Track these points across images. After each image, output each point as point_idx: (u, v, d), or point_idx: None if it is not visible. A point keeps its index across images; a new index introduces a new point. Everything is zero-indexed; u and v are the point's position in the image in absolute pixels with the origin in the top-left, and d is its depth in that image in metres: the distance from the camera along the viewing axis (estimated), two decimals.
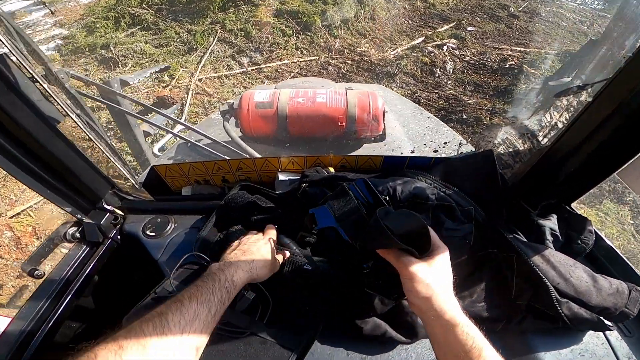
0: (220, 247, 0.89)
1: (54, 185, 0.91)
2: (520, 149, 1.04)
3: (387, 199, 0.81)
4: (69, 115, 0.99)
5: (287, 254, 0.85)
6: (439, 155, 0.92)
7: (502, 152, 1.05)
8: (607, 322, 0.79)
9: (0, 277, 2.44)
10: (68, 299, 0.92)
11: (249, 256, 0.75)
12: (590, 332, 0.84)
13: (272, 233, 0.88)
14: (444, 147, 1.51)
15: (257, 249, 0.78)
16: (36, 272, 0.91)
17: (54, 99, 0.90)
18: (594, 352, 0.82)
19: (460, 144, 1.42)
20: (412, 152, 1.58)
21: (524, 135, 1.01)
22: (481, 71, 4.69)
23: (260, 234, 0.86)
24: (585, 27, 5.57)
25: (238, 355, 0.73)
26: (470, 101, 4.13)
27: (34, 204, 2.96)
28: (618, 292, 0.79)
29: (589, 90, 1.03)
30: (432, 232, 0.68)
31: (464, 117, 3.88)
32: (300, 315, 0.81)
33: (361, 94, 1.59)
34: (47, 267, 0.94)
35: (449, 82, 4.51)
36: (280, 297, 0.82)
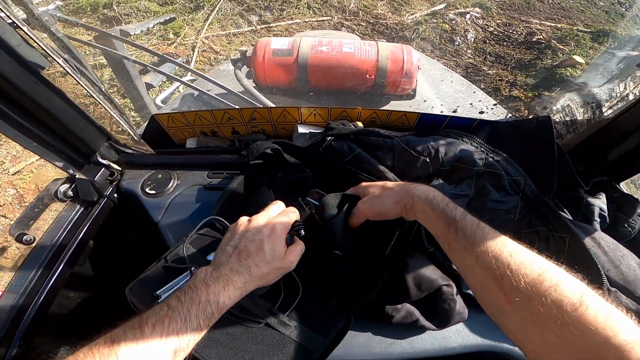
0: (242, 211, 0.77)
1: (41, 137, 0.80)
2: (578, 118, 0.91)
3: (427, 160, 0.69)
4: (55, 60, 0.86)
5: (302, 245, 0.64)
6: (484, 117, 0.79)
7: (556, 120, 0.92)
8: None
9: (4, 238, 2.36)
10: (62, 266, 0.83)
11: (245, 261, 0.55)
12: None
13: (283, 216, 0.63)
14: (492, 108, 1.33)
15: (256, 248, 0.56)
16: (25, 237, 0.81)
17: (37, 43, 0.78)
18: None
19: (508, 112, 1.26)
20: (455, 111, 1.42)
21: (588, 103, 0.88)
22: (505, 43, 4.41)
23: (266, 218, 0.62)
24: (624, 9, 5.17)
25: (247, 350, 0.60)
26: (490, 72, 3.93)
27: (36, 160, 2.87)
28: None
29: None
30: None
31: (482, 86, 3.69)
32: (329, 309, 0.68)
33: (394, 47, 1.44)
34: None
35: (469, 51, 4.26)
36: (308, 285, 0.69)
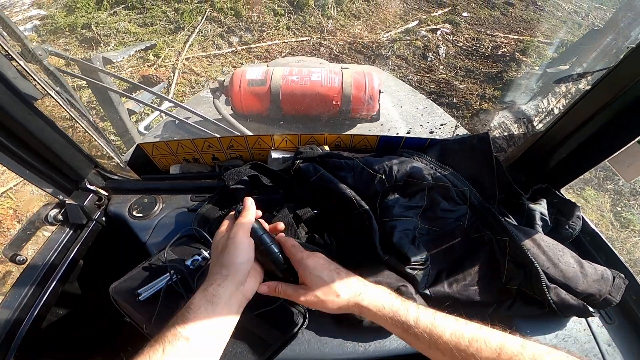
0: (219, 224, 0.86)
1: (33, 165, 0.87)
2: (515, 133, 1.03)
3: (383, 177, 0.80)
4: (48, 93, 0.94)
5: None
6: (435, 137, 0.91)
7: (497, 135, 1.05)
8: (590, 309, 0.80)
9: None
10: (53, 284, 0.90)
11: (212, 268, 0.59)
12: (574, 318, 0.86)
13: (244, 216, 0.64)
14: (440, 128, 1.49)
15: (216, 253, 0.60)
16: (18, 257, 0.87)
17: (32, 77, 0.85)
18: (577, 338, 0.83)
19: (456, 126, 1.41)
20: (408, 132, 1.56)
21: (520, 119, 1.01)
22: (473, 57, 4.66)
23: (227, 223, 0.66)
24: (580, 18, 5.56)
25: None
26: (461, 86, 4.13)
27: (14, 186, 2.85)
28: (603, 279, 0.81)
29: (589, 78, 1.02)
30: (291, 250, 0.66)
31: (454, 101, 3.90)
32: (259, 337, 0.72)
33: (357, 74, 1.57)
34: (29, 251, 0.90)
35: (441, 66, 4.48)
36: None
